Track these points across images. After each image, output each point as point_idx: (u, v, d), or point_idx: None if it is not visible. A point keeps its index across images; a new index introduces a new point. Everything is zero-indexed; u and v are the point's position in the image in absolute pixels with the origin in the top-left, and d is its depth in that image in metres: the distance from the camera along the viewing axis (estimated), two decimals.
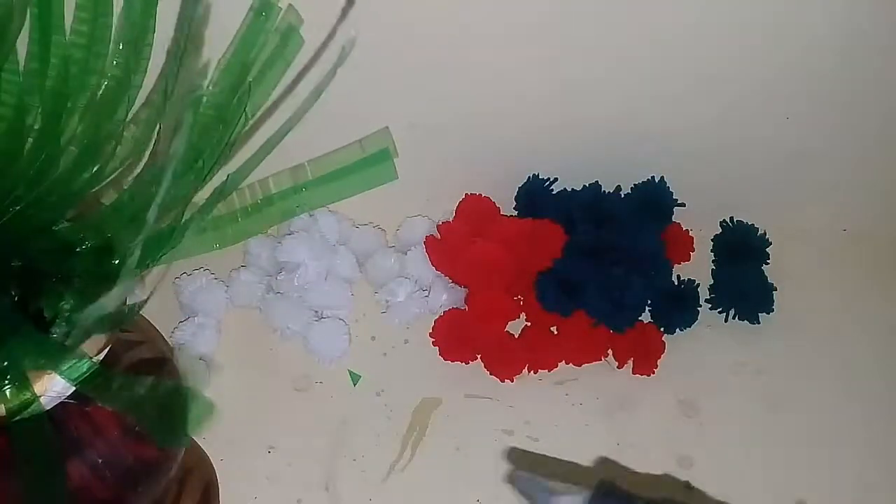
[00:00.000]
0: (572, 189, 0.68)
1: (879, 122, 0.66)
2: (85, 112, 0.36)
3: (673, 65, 0.61)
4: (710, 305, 0.67)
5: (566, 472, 0.58)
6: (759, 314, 0.67)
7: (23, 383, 0.29)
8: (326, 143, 0.64)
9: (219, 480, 0.55)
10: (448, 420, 0.61)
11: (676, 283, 0.67)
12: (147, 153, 0.38)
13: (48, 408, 0.32)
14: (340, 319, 0.64)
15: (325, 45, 0.54)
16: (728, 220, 0.70)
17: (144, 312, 0.42)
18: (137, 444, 0.39)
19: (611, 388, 0.63)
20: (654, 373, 0.63)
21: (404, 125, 0.64)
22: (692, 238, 0.69)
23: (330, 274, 0.66)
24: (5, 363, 0.29)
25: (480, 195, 0.68)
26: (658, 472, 0.59)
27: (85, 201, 0.36)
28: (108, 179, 0.36)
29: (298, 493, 0.56)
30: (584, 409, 0.62)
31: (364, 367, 0.63)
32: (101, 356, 0.33)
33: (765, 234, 0.69)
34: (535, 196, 0.68)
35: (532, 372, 0.63)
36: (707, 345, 0.66)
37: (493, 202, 0.68)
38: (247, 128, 0.37)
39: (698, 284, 0.67)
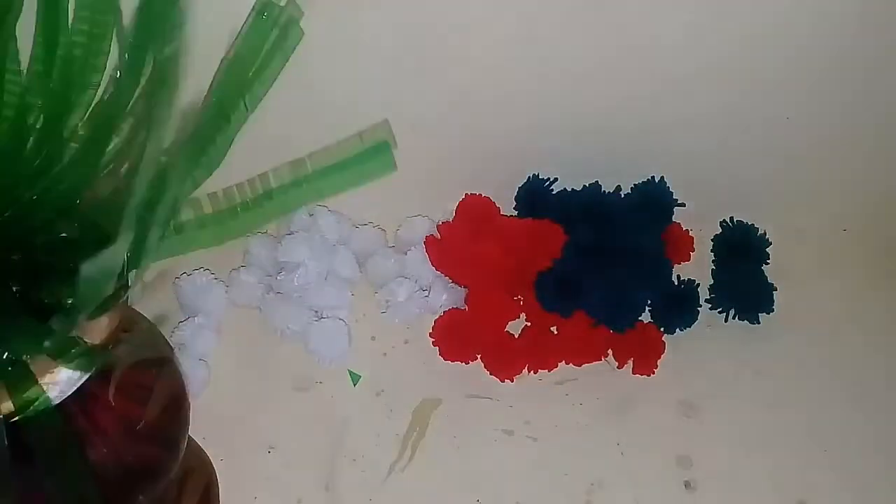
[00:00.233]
0: (572, 189, 0.68)
1: (879, 122, 0.66)
2: (87, 110, 0.36)
3: (673, 65, 0.61)
4: (710, 305, 0.67)
5: None
6: (759, 314, 0.67)
7: (26, 377, 0.29)
8: (328, 143, 0.64)
9: (219, 480, 0.55)
10: (448, 420, 0.60)
11: (676, 283, 0.67)
12: (146, 148, 0.38)
13: (52, 405, 0.31)
14: (340, 319, 0.64)
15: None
16: (728, 220, 0.70)
17: (144, 312, 0.43)
18: (138, 443, 0.39)
19: (611, 388, 0.63)
20: (654, 373, 0.63)
21: (405, 125, 0.64)
22: (692, 238, 0.69)
23: (330, 274, 0.66)
24: (7, 355, 0.29)
25: (480, 195, 0.68)
26: (658, 472, 0.59)
27: (86, 197, 0.35)
28: (109, 174, 0.36)
29: (298, 493, 0.56)
30: (584, 409, 0.62)
31: (364, 367, 0.63)
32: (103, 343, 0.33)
33: (765, 234, 0.69)
34: (535, 196, 0.68)
35: (532, 372, 0.63)
36: (707, 345, 0.66)
37: (493, 202, 0.68)
38: (246, 122, 0.37)
39: (698, 284, 0.67)
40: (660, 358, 0.64)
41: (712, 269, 0.69)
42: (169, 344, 0.44)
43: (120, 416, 0.38)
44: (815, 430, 0.62)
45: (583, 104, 0.64)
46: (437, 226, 0.67)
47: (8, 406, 0.30)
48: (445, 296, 0.65)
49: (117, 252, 0.28)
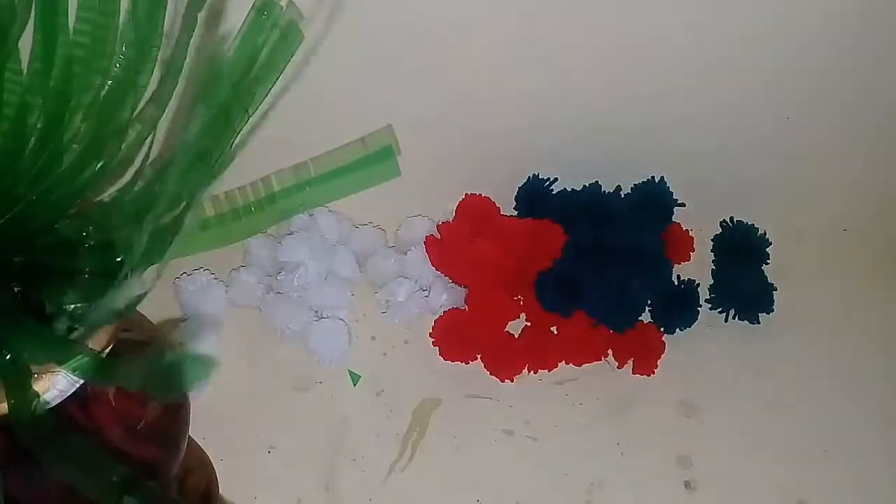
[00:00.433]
0: (572, 189, 0.68)
1: (879, 121, 0.66)
2: (88, 111, 0.36)
3: (673, 64, 0.61)
4: (710, 305, 0.67)
5: None
6: (759, 314, 0.67)
7: (25, 379, 0.29)
8: (329, 144, 0.64)
9: (219, 480, 0.55)
10: (448, 420, 0.60)
11: (676, 283, 0.67)
12: (149, 150, 0.38)
13: (51, 405, 0.31)
14: (340, 319, 0.64)
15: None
16: (728, 220, 0.70)
17: (144, 312, 0.43)
18: (138, 443, 0.39)
19: (611, 388, 0.63)
20: (654, 373, 0.63)
21: (405, 125, 0.64)
22: (692, 238, 0.69)
23: (330, 274, 0.66)
24: (7, 357, 0.29)
25: (480, 195, 0.68)
26: (658, 472, 0.59)
27: (88, 198, 0.35)
28: (112, 176, 0.36)
29: (298, 493, 0.56)
30: (584, 409, 0.62)
31: (364, 367, 0.63)
32: (106, 349, 0.33)
33: (765, 234, 0.69)
34: (535, 196, 0.68)
35: (532, 372, 0.63)
36: (707, 345, 0.66)
37: (493, 202, 0.68)
38: (247, 125, 0.37)
39: (698, 284, 0.67)
40: (660, 358, 0.64)
41: (712, 269, 0.69)
42: (154, 325, 0.44)
43: (120, 416, 0.38)
44: (815, 430, 0.62)
45: (583, 104, 0.64)
46: (437, 226, 0.67)
47: (7, 406, 0.30)
48: (445, 296, 0.65)
49: (123, 292, 0.29)
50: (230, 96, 0.34)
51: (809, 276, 0.71)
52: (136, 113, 0.37)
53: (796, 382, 0.64)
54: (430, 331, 0.63)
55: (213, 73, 0.31)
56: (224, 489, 0.55)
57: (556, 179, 0.68)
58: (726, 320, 0.67)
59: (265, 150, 0.51)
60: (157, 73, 0.38)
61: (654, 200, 0.67)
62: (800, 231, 0.72)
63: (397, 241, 0.69)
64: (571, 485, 0.58)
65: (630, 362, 0.64)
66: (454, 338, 0.63)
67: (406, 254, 0.66)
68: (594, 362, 0.64)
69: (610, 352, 0.64)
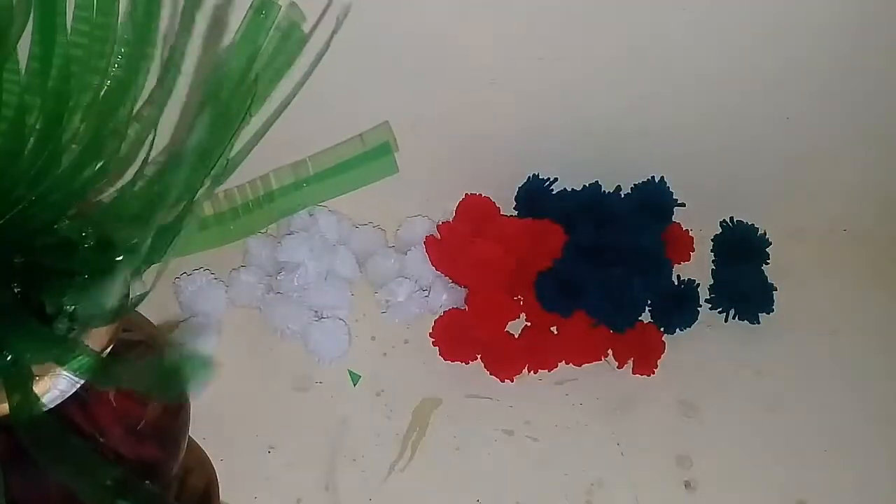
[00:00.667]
0: (572, 189, 0.68)
1: (879, 122, 0.66)
2: (87, 111, 0.36)
3: (673, 65, 0.61)
4: (710, 305, 0.67)
5: None
6: (759, 314, 0.67)
7: (26, 379, 0.29)
8: (329, 144, 0.64)
9: (219, 480, 0.55)
10: (448, 420, 0.60)
11: (676, 283, 0.67)
12: (149, 150, 0.38)
13: (51, 406, 0.31)
14: (340, 319, 0.64)
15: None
16: (728, 220, 0.70)
17: (144, 312, 0.43)
18: (138, 443, 0.39)
19: (611, 388, 0.63)
20: (654, 373, 0.63)
21: (405, 125, 0.64)
22: (692, 238, 0.69)
23: (330, 274, 0.66)
24: (8, 357, 0.29)
25: (480, 195, 0.68)
26: (658, 471, 0.59)
27: (87, 199, 0.35)
28: (111, 177, 0.36)
29: (298, 493, 0.56)
30: (584, 409, 0.62)
31: (364, 367, 0.63)
32: (107, 350, 0.33)
33: (765, 234, 0.69)
34: (535, 196, 0.68)
35: (532, 372, 0.63)
36: (707, 345, 0.66)
37: (493, 202, 0.68)
38: (248, 125, 0.37)
39: (698, 284, 0.67)
40: (660, 358, 0.64)
41: (712, 269, 0.69)
42: (153, 325, 0.44)
43: (120, 416, 0.38)
44: (815, 430, 0.62)
45: (583, 104, 0.64)
46: (437, 226, 0.67)
47: (8, 407, 0.30)
48: (445, 296, 0.65)
49: (128, 270, 0.29)
50: (230, 97, 0.34)
51: (809, 276, 0.71)
52: (135, 113, 0.37)
53: (796, 382, 0.64)
54: (430, 331, 0.63)
55: (216, 75, 0.31)
56: (224, 489, 0.55)
57: (556, 179, 0.68)
58: (726, 320, 0.67)
59: (265, 150, 0.51)
60: (155, 73, 0.38)
61: (654, 200, 0.67)
62: (800, 231, 0.73)
63: (397, 241, 0.69)
64: (571, 485, 0.58)
65: (630, 362, 0.64)
66: (454, 338, 0.63)
67: (406, 254, 0.66)
68: (594, 362, 0.64)
69: (610, 352, 0.64)
